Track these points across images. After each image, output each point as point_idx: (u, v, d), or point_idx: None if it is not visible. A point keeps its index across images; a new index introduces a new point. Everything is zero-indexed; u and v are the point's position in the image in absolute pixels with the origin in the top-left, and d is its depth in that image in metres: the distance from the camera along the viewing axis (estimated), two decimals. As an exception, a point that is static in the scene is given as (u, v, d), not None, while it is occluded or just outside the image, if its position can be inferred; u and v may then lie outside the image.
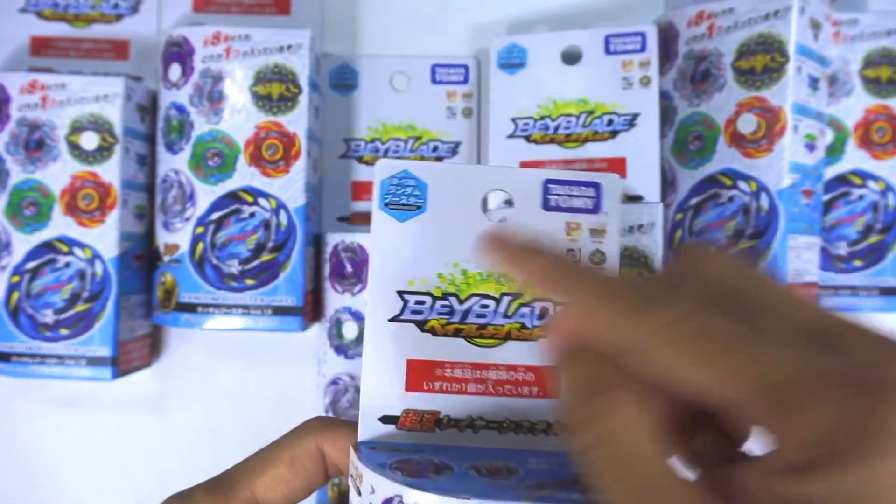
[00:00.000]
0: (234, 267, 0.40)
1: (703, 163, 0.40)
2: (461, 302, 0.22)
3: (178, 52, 0.41)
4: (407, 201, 0.22)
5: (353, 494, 0.20)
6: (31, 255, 0.41)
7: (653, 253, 0.37)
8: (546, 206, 0.22)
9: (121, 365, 0.42)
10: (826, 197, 0.42)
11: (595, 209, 0.22)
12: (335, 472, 0.23)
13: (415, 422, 0.22)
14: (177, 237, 0.41)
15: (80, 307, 0.41)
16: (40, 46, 0.46)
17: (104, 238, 0.41)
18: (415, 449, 0.21)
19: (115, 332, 0.41)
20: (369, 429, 0.22)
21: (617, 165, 0.41)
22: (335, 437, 0.22)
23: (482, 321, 0.22)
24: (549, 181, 0.22)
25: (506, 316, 0.22)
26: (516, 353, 0.22)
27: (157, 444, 0.45)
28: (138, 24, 0.46)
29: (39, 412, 0.46)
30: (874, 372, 0.14)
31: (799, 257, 0.38)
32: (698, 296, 0.16)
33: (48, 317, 0.41)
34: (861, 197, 0.42)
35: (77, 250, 0.41)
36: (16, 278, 0.41)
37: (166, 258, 0.41)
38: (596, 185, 0.22)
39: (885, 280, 0.41)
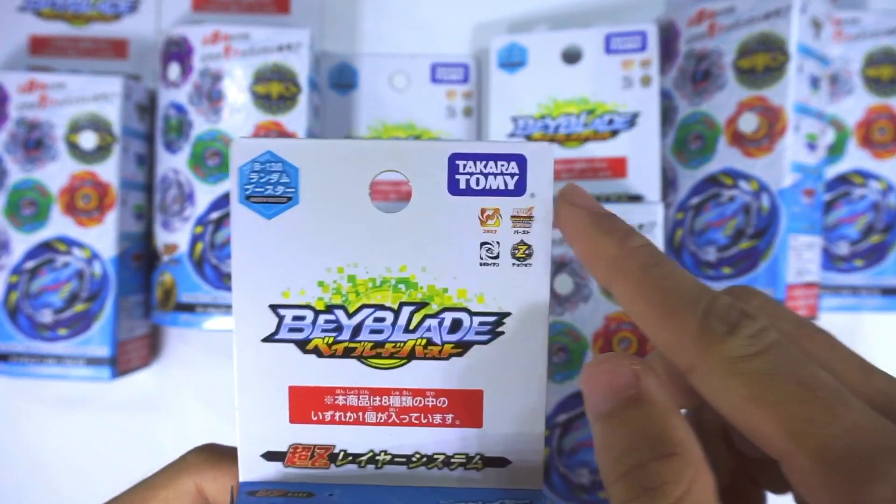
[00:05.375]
0: (233, 267, 0.40)
1: (703, 162, 0.40)
2: (350, 315, 0.18)
3: (177, 51, 0.41)
4: (274, 192, 0.17)
5: None
6: (30, 255, 0.41)
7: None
8: (454, 188, 0.17)
9: (119, 365, 0.41)
10: (827, 196, 0.42)
11: (518, 190, 0.17)
12: None
13: (304, 458, 0.18)
14: (176, 237, 0.41)
15: (78, 307, 0.41)
16: (39, 45, 0.46)
17: (103, 238, 0.41)
18: (306, 492, 0.18)
19: (114, 332, 0.41)
20: (251, 467, 0.18)
21: (617, 165, 0.41)
22: (217, 475, 0.19)
23: (378, 338, 0.18)
24: (455, 156, 0.17)
25: (407, 330, 0.18)
26: (423, 375, 0.18)
27: (156, 445, 0.45)
28: (137, 23, 0.46)
29: (38, 412, 0.45)
30: None
31: (800, 257, 0.38)
32: (768, 331, 0.14)
33: (47, 317, 0.41)
34: (862, 197, 0.41)
35: (76, 250, 0.41)
36: (14, 278, 0.41)
37: (165, 258, 0.41)
38: (519, 159, 0.17)
39: (886, 280, 0.41)
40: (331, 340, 0.18)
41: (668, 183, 0.41)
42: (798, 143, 0.38)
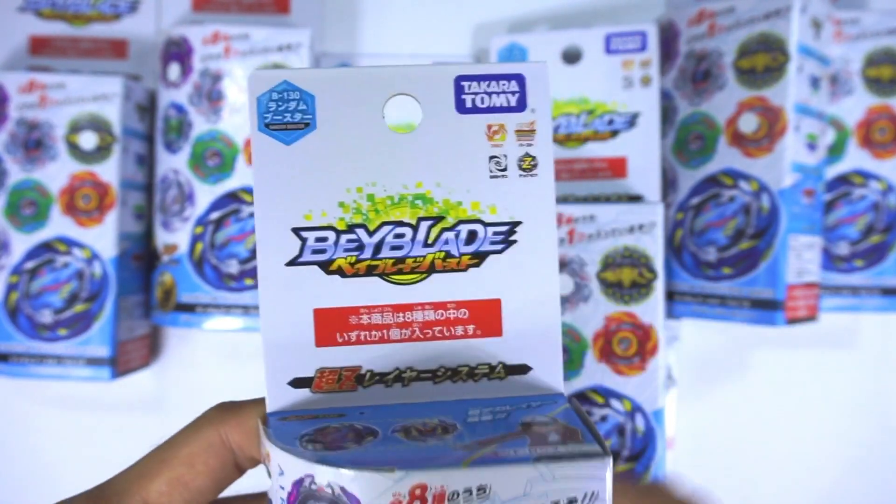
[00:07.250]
0: (233, 267, 0.40)
1: (703, 162, 0.40)
2: (371, 233, 0.19)
3: (177, 51, 0.41)
4: (292, 119, 0.18)
5: (268, 477, 0.17)
6: (30, 255, 0.41)
7: (653, 253, 0.37)
8: (461, 107, 0.19)
9: (119, 365, 0.41)
10: (827, 197, 0.42)
11: (520, 106, 0.19)
12: (249, 463, 0.20)
13: (332, 382, 0.19)
14: (176, 237, 0.41)
15: (78, 307, 0.41)
16: (39, 45, 0.46)
17: (103, 238, 0.41)
18: (336, 413, 0.18)
19: (114, 332, 0.41)
20: (279, 396, 0.18)
21: (617, 165, 0.41)
22: (240, 421, 0.19)
23: (399, 254, 0.19)
24: (461, 78, 0.18)
25: (426, 244, 0.19)
26: (444, 288, 0.19)
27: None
28: (137, 23, 0.46)
29: (38, 412, 0.45)
30: None
31: (800, 257, 0.38)
32: None
33: (47, 317, 0.41)
34: (862, 197, 0.41)
35: (76, 250, 0.41)
36: (14, 278, 0.41)
37: (165, 258, 0.41)
38: (518, 78, 0.19)
39: (886, 280, 0.41)
40: (353, 259, 0.18)
41: (668, 183, 0.41)
42: (798, 144, 0.38)
